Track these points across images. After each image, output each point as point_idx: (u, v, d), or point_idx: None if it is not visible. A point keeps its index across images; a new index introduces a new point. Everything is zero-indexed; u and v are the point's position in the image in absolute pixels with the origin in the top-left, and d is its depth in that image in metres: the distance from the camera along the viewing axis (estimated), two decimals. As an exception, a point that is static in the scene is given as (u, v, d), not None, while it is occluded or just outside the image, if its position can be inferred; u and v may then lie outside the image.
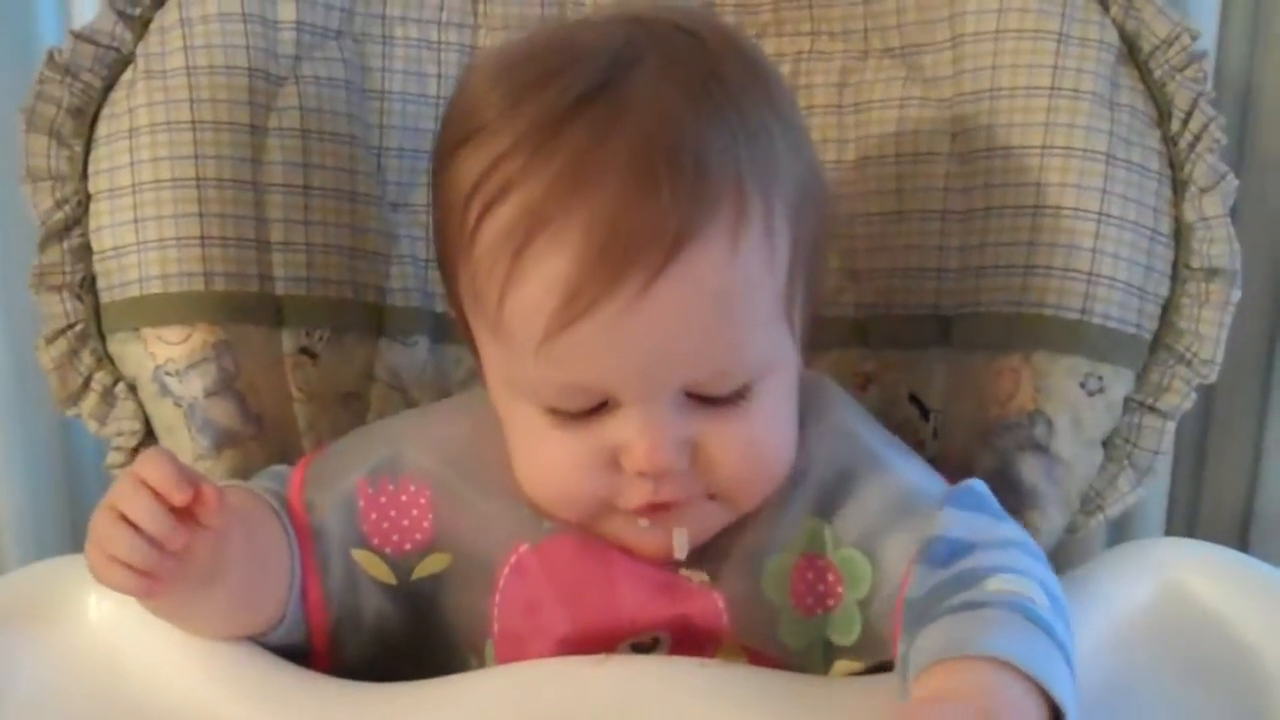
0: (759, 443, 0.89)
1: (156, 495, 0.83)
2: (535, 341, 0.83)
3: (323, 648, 0.95)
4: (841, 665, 0.93)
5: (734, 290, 0.84)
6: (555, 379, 0.86)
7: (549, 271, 0.82)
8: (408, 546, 0.95)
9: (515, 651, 0.92)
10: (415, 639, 0.96)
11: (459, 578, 0.95)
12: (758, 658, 0.93)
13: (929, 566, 0.85)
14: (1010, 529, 0.90)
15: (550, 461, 0.89)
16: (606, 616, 0.92)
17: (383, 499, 0.95)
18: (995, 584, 0.81)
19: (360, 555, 0.95)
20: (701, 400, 0.87)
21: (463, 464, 0.95)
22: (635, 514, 0.89)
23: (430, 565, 0.95)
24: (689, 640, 0.92)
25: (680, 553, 0.90)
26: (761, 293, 0.86)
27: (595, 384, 0.85)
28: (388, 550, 0.95)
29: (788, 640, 0.93)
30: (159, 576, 0.84)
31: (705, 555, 0.92)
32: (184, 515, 0.83)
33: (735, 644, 0.93)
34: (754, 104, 0.87)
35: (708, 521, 0.91)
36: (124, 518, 0.83)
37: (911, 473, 0.95)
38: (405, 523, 0.95)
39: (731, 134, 0.85)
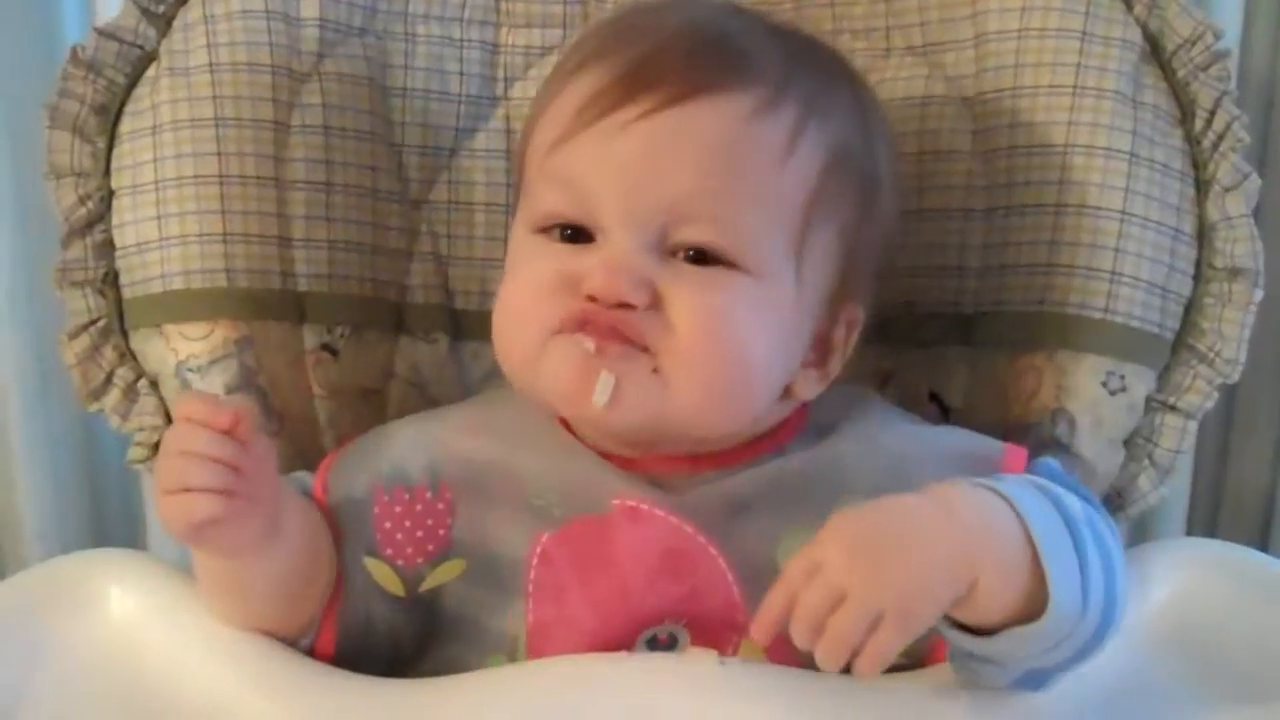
0: (721, 322, 0.88)
1: (208, 426, 0.84)
2: (547, 148, 0.89)
3: (325, 658, 0.94)
4: None
5: (732, 149, 0.88)
6: (554, 184, 0.91)
7: (578, 89, 0.91)
8: (419, 560, 0.95)
9: (544, 645, 0.92)
10: (428, 650, 0.95)
11: (475, 581, 0.95)
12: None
13: None
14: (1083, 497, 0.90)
15: (519, 286, 0.92)
16: (619, 598, 0.92)
17: (398, 508, 0.95)
18: (1036, 481, 0.85)
19: (371, 563, 0.95)
20: (679, 259, 0.88)
21: (483, 463, 0.95)
22: (574, 328, 0.88)
23: (441, 575, 0.95)
24: (707, 630, 0.91)
25: (601, 397, 0.88)
26: (762, 177, 0.89)
27: (584, 192, 0.89)
28: (400, 562, 0.95)
29: None
30: (238, 493, 0.84)
31: (698, 507, 0.92)
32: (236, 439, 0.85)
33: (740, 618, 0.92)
34: (837, 72, 0.96)
35: (642, 391, 0.88)
36: (188, 454, 0.84)
37: (968, 436, 0.97)
38: (419, 534, 0.95)
39: (798, 61, 0.93)
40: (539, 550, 0.93)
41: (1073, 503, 0.84)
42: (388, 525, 0.95)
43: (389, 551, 0.95)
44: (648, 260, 0.88)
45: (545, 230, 0.92)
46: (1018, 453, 0.95)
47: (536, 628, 0.93)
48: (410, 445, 0.97)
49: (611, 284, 0.87)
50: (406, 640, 0.95)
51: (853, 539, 0.79)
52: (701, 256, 0.89)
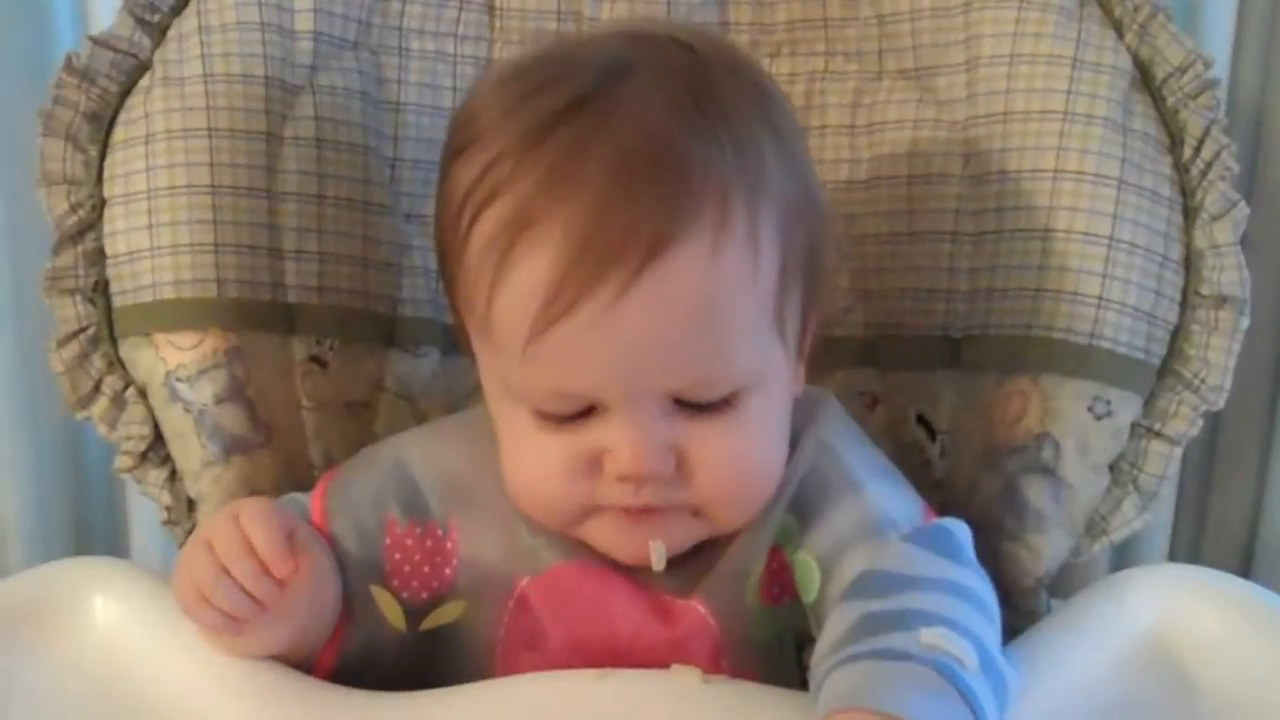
0: (744, 456, 0.89)
1: (264, 565, 0.87)
2: (520, 344, 0.84)
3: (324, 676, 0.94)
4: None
5: (714, 296, 0.85)
6: (541, 382, 0.87)
7: (531, 273, 0.83)
8: (424, 595, 0.95)
9: None
10: (419, 684, 0.94)
11: (469, 623, 0.95)
12: (733, 657, 0.93)
13: (861, 599, 0.84)
14: (966, 574, 0.88)
15: (535, 463, 0.90)
16: (605, 643, 0.92)
17: (409, 541, 0.96)
18: (929, 638, 0.79)
19: (377, 592, 0.95)
20: (689, 408, 0.87)
21: (485, 502, 0.95)
22: (614, 515, 0.90)
23: (442, 615, 0.95)
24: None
25: (658, 564, 0.90)
26: (745, 302, 0.86)
27: (578, 387, 0.86)
28: (405, 595, 0.95)
29: (757, 634, 0.94)
30: (250, 624, 0.88)
31: (691, 574, 0.93)
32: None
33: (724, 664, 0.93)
34: (745, 116, 0.88)
35: (687, 535, 0.91)
36: (226, 570, 0.87)
37: (885, 500, 0.94)
38: (427, 569, 0.95)
39: (718, 145, 0.85)
40: (518, 593, 0.94)
41: (969, 661, 0.78)
42: (397, 557, 0.95)
43: (395, 583, 0.95)
44: (662, 424, 0.87)
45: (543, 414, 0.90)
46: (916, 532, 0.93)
47: (503, 673, 0.92)
48: (421, 476, 0.97)
49: (639, 464, 0.87)
50: (406, 673, 0.94)
51: None
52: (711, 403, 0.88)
